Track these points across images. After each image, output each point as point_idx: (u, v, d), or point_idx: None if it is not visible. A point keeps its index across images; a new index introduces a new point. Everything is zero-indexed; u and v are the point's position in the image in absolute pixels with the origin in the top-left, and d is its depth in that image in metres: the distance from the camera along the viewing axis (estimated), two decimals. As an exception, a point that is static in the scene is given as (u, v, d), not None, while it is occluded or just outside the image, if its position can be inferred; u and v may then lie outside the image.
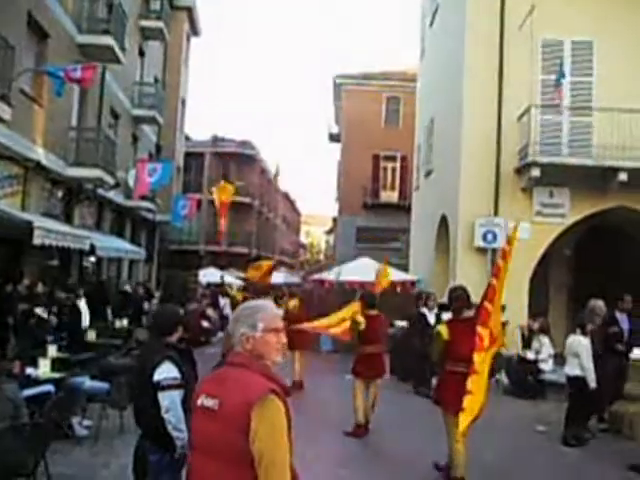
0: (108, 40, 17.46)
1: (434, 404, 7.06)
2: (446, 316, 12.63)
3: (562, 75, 14.27)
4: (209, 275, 31.52)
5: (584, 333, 9.16)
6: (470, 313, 6.73)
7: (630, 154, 14.09)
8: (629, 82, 14.59)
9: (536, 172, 14.38)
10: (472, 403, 5.89)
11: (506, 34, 15.25)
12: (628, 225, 16.23)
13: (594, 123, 14.63)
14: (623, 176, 14.16)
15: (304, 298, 14.48)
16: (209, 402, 2.64)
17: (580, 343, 8.99)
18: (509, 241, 6.58)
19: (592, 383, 8.74)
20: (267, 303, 2.94)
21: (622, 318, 10.50)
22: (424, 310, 13.26)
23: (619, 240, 16.78)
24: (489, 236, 14.84)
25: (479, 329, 6.03)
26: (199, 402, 2.70)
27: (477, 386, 5.95)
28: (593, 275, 16.23)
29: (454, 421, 6.24)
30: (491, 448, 8.17)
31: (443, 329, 6.92)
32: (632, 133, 13.90)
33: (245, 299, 14.37)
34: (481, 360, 5.97)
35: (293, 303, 13.54)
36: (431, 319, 12.91)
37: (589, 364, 8.80)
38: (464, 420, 5.85)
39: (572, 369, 9.03)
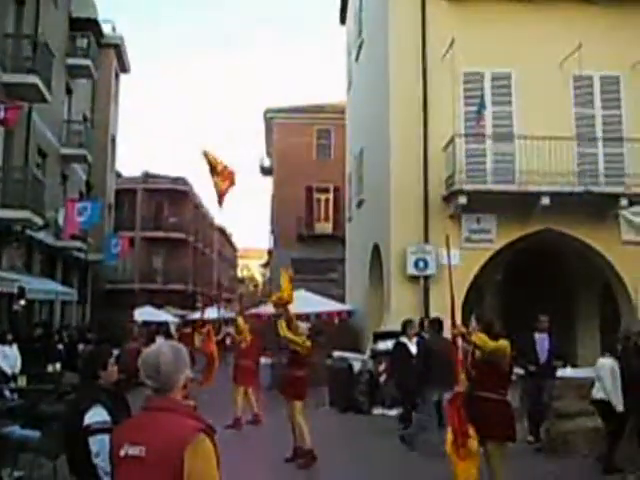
0: (33, 79, 17.21)
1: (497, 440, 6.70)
2: (383, 345, 12.79)
3: (482, 106, 14.80)
4: (145, 314, 31.04)
5: (612, 356, 8.99)
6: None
7: (551, 179, 14.68)
8: (546, 110, 15.20)
9: (463, 200, 14.79)
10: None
11: (429, 67, 15.74)
12: (554, 247, 16.81)
13: (516, 150, 15.17)
14: (546, 200, 14.70)
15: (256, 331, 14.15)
16: (134, 450, 2.62)
17: (603, 366, 8.85)
18: None
19: (618, 406, 8.53)
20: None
21: (541, 338, 10.72)
22: (404, 339, 11.62)
23: (546, 262, 17.34)
24: (420, 263, 15.11)
25: None
26: (122, 453, 2.66)
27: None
28: (522, 299, 16.70)
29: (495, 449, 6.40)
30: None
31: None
32: (552, 159, 14.50)
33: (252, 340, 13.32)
34: None
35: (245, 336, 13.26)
36: (412, 348, 11.26)
37: (611, 386, 8.62)
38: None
39: (597, 392, 8.92)
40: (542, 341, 10.43)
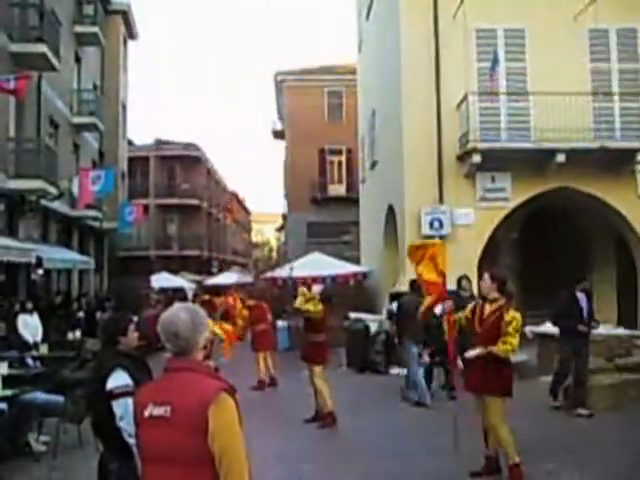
0: (42, 48, 17.12)
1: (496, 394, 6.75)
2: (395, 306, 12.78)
3: (496, 62, 14.57)
4: (161, 280, 31.28)
5: None
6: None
7: (566, 136, 14.49)
8: (560, 66, 14.95)
9: (477, 158, 14.68)
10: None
11: (440, 24, 15.49)
12: (569, 204, 16.70)
13: (530, 107, 15.00)
14: (561, 157, 14.56)
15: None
16: (159, 410, 2.66)
17: None
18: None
19: None
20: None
21: (582, 298, 10.55)
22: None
23: (562, 219, 17.25)
24: (435, 224, 15.09)
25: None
26: (146, 413, 2.70)
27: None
28: (539, 257, 16.67)
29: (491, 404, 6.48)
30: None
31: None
32: (567, 115, 14.28)
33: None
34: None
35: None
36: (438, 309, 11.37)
37: None
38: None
39: None
40: (582, 301, 10.31)
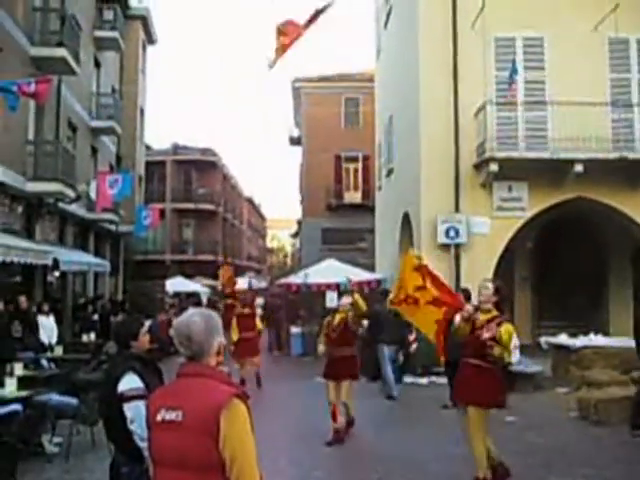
0: (62, 52, 17.25)
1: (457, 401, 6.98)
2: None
3: (515, 71, 14.50)
4: (176, 284, 31.39)
5: None
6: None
7: (584, 145, 14.40)
8: (579, 75, 14.87)
9: (494, 167, 14.61)
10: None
11: (459, 33, 15.45)
12: (586, 215, 16.58)
13: (548, 117, 14.90)
14: (579, 167, 14.45)
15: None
16: (170, 415, 2.66)
17: None
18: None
19: None
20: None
21: None
22: None
23: (578, 230, 17.14)
24: (451, 232, 15.02)
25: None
26: (159, 417, 2.70)
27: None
28: (554, 267, 16.56)
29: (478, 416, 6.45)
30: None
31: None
32: (585, 125, 14.19)
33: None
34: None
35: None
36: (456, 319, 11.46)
37: None
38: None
39: None
40: None
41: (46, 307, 13.91)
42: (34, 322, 12.62)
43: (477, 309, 6.79)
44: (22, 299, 12.94)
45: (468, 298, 10.26)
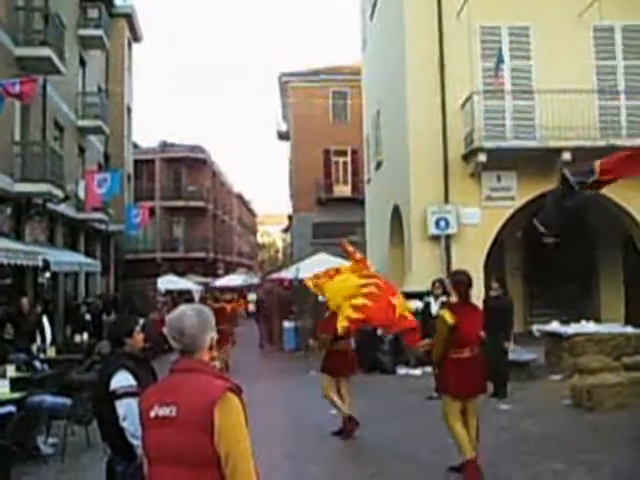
0: (46, 51, 17.13)
1: (442, 392, 7.12)
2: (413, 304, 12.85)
3: (501, 60, 14.53)
4: (168, 282, 31.35)
5: None
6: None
7: (572, 134, 14.46)
8: (565, 64, 14.93)
9: (482, 157, 14.65)
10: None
11: (445, 23, 15.48)
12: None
13: (536, 106, 14.96)
14: (567, 156, 14.49)
15: None
16: (164, 411, 2.65)
17: None
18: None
19: None
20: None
21: None
22: (429, 299, 11.52)
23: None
24: (442, 223, 15.06)
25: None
26: (152, 414, 2.69)
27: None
28: (545, 256, 16.61)
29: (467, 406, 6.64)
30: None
31: (447, 313, 6.69)
32: (572, 113, 14.26)
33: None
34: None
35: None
36: (433, 309, 11.16)
37: None
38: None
39: None
40: None
41: (39, 308, 13.87)
42: (36, 323, 12.60)
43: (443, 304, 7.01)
44: (24, 301, 12.89)
45: (444, 290, 10.44)
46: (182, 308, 2.89)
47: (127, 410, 4.16)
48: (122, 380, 4.31)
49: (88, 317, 17.94)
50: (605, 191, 15.12)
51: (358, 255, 8.52)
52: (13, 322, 11.58)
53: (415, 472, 7.08)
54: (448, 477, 6.84)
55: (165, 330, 2.84)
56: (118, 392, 4.27)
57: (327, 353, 9.22)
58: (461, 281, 6.88)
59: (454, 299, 6.87)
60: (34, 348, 11.79)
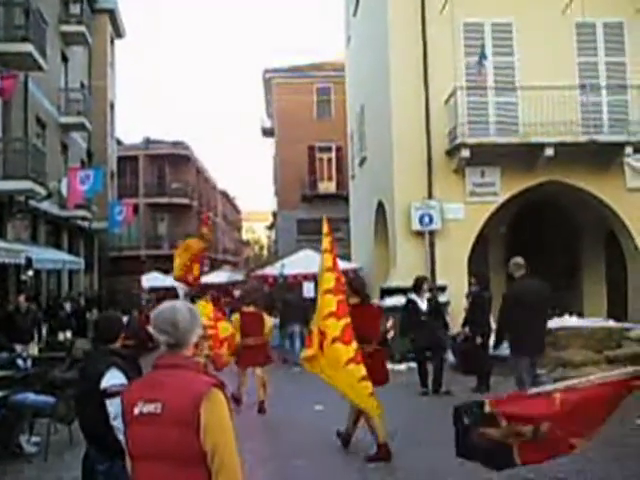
0: (28, 47, 16.99)
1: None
2: (390, 301, 12.86)
3: (484, 56, 14.59)
4: (152, 280, 31.20)
5: None
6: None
7: (555, 130, 14.55)
8: (548, 60, 15.01)
9: (466, 153, 14.70)
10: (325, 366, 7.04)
11: (428, 19, 15.51)
12: (558, 199, 16.76)
13: (518, 102, 15.04)
14: (550, 151, 14.60)
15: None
16: (149, 408, 2.64)
17: None
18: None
19: None
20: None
21: None
22: (413, 296, 11.39)
23: (550, 213, 17.31)
24: (425, 219, 15.11)
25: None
26: (136, 411, 2.67)
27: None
28: (528, 251, 16.68)
29: None
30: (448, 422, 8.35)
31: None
32: (555, 109, 14.34)
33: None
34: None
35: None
36: (422, 305, 11.20)
37: None
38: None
39: None
40: None
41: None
42: (34, 320, 12.55)
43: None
44: (21, 299, 12.81)
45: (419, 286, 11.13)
46: (171, 302, 2.89)
47: (119, 409, 4.13)
48: (113, 378, 4.27)
49: (68, 312, 17.77)
50: (589, 187, 15.29)
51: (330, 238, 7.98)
52: (10, 320, 11.54)
53: (398, 465, 7.11)
54: (434, 471, 6.87)
55: (152, 325, 2.81)
56: (110, 390, 4.22)
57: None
58: (362, 284, 8.17)
59: (354, 300, 7.61)
60: (29, 347, 11.79)
